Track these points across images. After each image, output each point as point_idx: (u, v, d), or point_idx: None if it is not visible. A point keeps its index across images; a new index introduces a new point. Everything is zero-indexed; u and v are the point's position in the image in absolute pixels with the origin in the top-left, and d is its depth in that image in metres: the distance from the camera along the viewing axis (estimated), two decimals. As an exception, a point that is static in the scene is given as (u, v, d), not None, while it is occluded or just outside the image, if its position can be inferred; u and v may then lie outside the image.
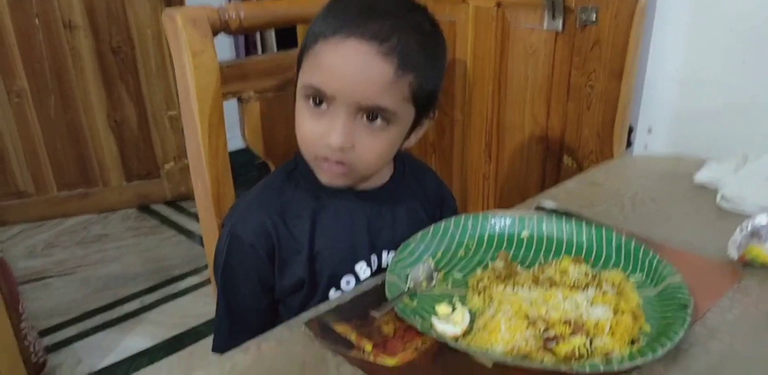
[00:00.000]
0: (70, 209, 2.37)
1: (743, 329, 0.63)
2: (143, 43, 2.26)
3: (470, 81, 1.45)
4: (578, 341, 0.58)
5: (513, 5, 1.32)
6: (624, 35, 1.15)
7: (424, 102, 0.71)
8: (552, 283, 0.68)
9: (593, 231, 0.79)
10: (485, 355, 0.58)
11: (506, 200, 1.50)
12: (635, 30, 1.12)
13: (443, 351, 0.60)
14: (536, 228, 0.81)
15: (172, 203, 2.50)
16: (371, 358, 0.59)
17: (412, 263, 0.73)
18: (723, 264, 0.75)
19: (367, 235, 0.79)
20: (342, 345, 0.61)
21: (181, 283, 1.94)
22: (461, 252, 0.77)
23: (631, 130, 1.30)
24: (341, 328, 0.63)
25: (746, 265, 0.74)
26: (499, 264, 0.73)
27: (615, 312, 0.62)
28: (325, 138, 0.68)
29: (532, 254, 0.78)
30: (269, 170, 0.93)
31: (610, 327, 0.60)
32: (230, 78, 0.85)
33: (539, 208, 0.88)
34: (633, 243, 0.75)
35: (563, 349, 0.58)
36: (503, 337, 0.59)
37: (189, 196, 2.50)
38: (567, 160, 1.35)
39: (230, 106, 0.88)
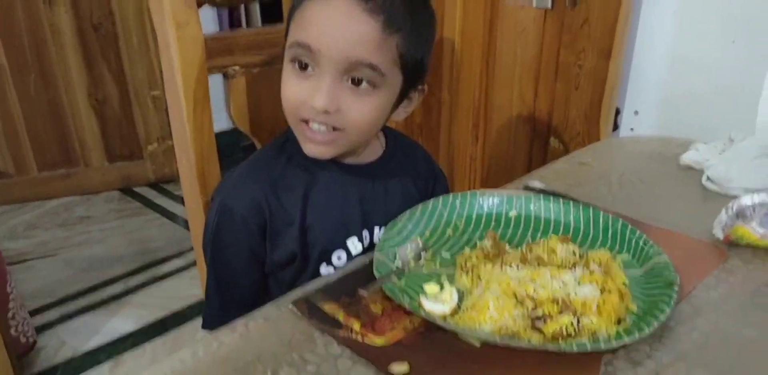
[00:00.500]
0: (52, 190, 2.34)
1: (729, 308, 0.64)
2: (124, 20, 2.21)
3: (458, 60, 1.44)
4: (566, 320, 0.58)
5: (502, -18, 1.30)
6: (613, 13, 1.14)
7: (412, 70, 0.71)
8: (540, 262, 0.68)
9: (581, 211, 0.79)
10: (473, 334, 0.58)
11: (493, 181, 1.50)
12: (624, 7, 1.11)
13: (431, 330, 0.60)
14: (524, 207, 0.81)
15: (155, 185, 2.47)
16: (359, 338, 0.58)
17: (400, 242, 0.73)
18: (709, 244, 0.76)
19: (359, 210, 0.79)
20: (330, 324, 0.60)
21: (165, 266, 1.93)
22: (449, 231, 0.77)
23: (617, 113, 1.30)
24: (329, 308, 0.62)
25: (732, 245, 0.75)
26: (487, 243, 0.73)
27: (602, 291, 0.62)
28: (310, 100, 0.68)
29: (520, 233, 0.78)
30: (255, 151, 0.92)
31: (597, 306, 0.60)
32: (215, 52, 0.83)
33: (527, 188, 0.87)
34: (620, 223, 0.75)
35: (551, 327, 0.58)
36: (491, 316, 0.59)
37: (173, 178, 2.48)
38: (554, 141, 1.35)
39: (215, 85, 0.86)
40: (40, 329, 1.62)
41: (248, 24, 2.66)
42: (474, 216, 0.80)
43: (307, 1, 0.68)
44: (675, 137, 1.10)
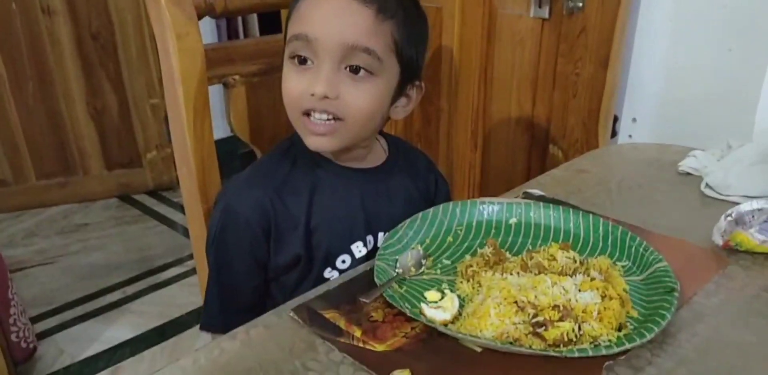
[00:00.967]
0: (50, 198, 2.33)
1: (729, 313, 0.64)
2: (123, 29, 2.21)
3: (456, 69, 1.45)
4: (567, 326, 0.58)
5: (500, -8, 1.31)
6: (610, 22, 1.14)
7: (407, 60, 0.73)
8: (540, 269, 0.68)
9: (580, 218, 0.79)
10: (474, 341, 0.58)
11: (492, 189, 1.51)
12: (621, 16, 1.12)
13: (432, 337, 0.60)
14: (524, 215, 0.81)
15: (154, 193, 2.47)
16: (361, 345, 0.58)
17: (401, 250, 0.73)
18: (709, 250, 0.76)
19: (363, 214, 0.79)
20: (331, 331, 0.60)
21: (164, 274, 1.93)
22: (450, 239, 0.77)
23: (616, 120, 1.30)
24: (330, 315, 0.62)
25: (731, 251, 0.75)
26: (488, 251, 0.73)
27: (603, 297, 0.62)
28: (310, 88, 0.69)
29: (520, 241, 0.78)
30: (255, 159, 0.92)
31: (598, 312, 0.60)
32: (215, 62, 0.84)
33: (527, 196, 0.88)
34: (620, 229, 0.76)
35: (552, 334, 0.58)
36: (492, 322, 0.59)
37: (172, 186, 2.48)
38: (553, 149, 1.35)
39: (214, 94, 0.86)
40: (39, 337, 1.61)
41: (246, 35, 2.69)
42: (474, 224, 0.80)
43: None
44: (673, 144, 1.10)
